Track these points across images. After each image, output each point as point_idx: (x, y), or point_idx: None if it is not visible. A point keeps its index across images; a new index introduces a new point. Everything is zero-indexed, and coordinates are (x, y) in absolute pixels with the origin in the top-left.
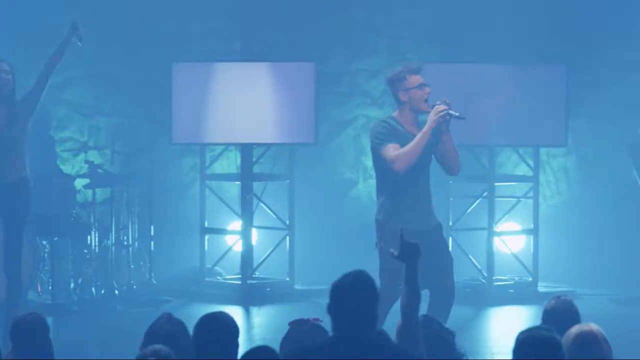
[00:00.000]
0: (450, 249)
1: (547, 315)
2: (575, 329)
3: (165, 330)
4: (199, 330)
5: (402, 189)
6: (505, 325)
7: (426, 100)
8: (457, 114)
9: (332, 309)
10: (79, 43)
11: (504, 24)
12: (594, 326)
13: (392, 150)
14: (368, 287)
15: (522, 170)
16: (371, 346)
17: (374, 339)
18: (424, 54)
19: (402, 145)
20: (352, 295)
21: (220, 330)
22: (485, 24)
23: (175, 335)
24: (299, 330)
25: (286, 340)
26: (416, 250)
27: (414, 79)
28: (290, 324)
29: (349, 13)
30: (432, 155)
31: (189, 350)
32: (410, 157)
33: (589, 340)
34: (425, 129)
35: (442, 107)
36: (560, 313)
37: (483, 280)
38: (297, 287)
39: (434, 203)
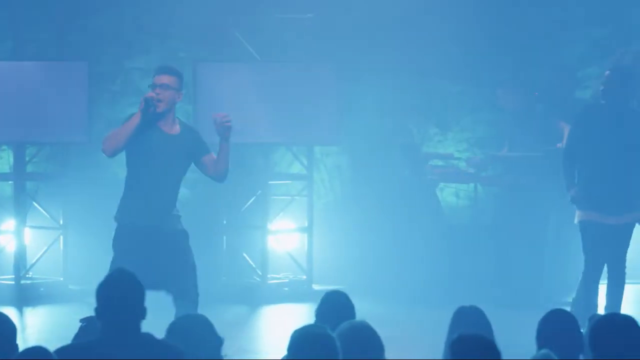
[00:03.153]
0: (224, 247)
1: (322, 311)
2: (349, 324)
3: None
4: None
5: (135, 182)
6: (280, 323)
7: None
8: (153, 99)
9: (98, 309)
10: None
11: (278, 22)
12: (365, 323)
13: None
14: (131, 284)
15: (297, 168)
16: (138, 342)
17: (141, 336)
18: (196, 53)
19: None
20: (116, 293)
21: None
22: (257, 22)
23: None
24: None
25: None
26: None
27: (155, 80)
28: (81, 320)
29: (121, 12)
30: (183, 157)
31: None
32: (113, 139)
33: (362, 335)
34: (136, 114)
35: (150, 94)
36: (336, 308)
37: (258, 279)
38: (71, 287)
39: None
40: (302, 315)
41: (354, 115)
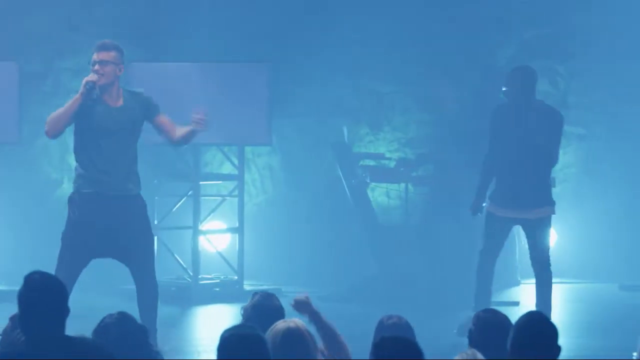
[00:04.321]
0: (155, 247)
1: (252, 311)
2: (279, 325)
3: None
4: None
5: (85, 157)
6: (210, 323)
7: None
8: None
9: (20, 313)
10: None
11: (207, 22)
12: (298, 321)
13: None
14: (53, 288)
15: (228, 169)
16: (64, 345)
17: (66, 338)
18: (129, 52)
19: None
20: (39, 297)
21: None
22: (188, 22)
23: None
24: None
25: None
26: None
27: (94, 57)
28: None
29: (52, 12)
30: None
31: None
32: (55, 121)
33: (293, 335)
34: (76, 97)
35: (91, 77)
36: (265, 309)
37: (189, 279)
38: (1, 288)
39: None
40: (233, 315)
41: (285, 116)
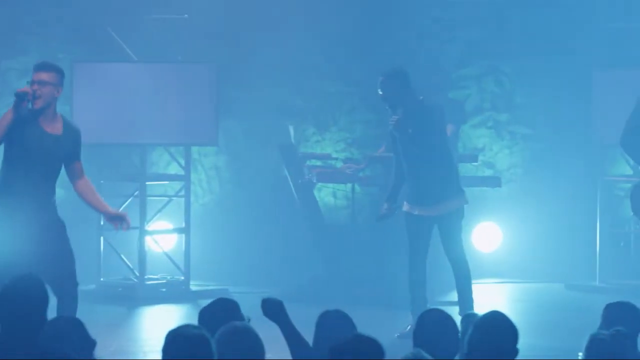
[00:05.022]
0: (102, 248)
1: (203, 313)
2: (229, 326)
3: None
4: None
5: (11, 176)
6: (157, 324)
7: (33, 97)
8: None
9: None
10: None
11: (153, 22)
12: (243, 324)
13: None
14: (35, 290)
15: (174, 169)
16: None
17: (39, 342)
18: (74, 53)
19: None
20: (20, 298)
21: None
22: (133, 23)
23: None
24: None
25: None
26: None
27: (33, 77)
28: None
29: None
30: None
31: None
32: None
33: (239, 333)
34: (9, 110)
35: (24, 88)
36: (217, 310)
37: (135, 280)
38: None
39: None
40: (179, 315)
41: (231, 116)
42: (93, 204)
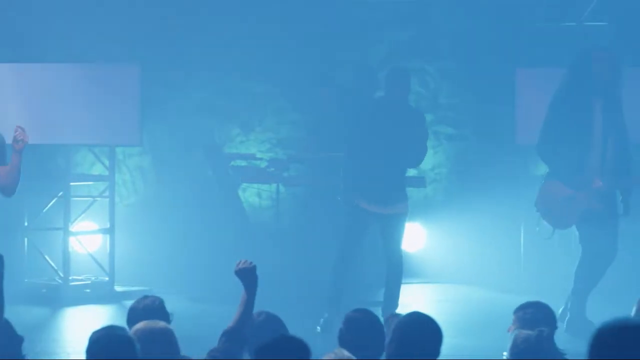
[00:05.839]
0: (26, 249)
1: (131, 313)
2: (142, 325)
3: None
4: None
5: None
6: (81, 325)
7: None
8: None
9: None
10: None
11: (77, 22)
12: (161, 323)
13: None
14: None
15: (99, 169)
16: None
17: None
18: None
19: None
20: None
21: None
22: (57, 22)
23: None
24: None
25: None
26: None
27: None
28: None
29: None
30: None
31: None
32: None
33: (155, 334)
34: None
35: None
36: (146, 310)
37: (59, 281)
38: None
39: None
40: (104, 316)
41: (156, 116)
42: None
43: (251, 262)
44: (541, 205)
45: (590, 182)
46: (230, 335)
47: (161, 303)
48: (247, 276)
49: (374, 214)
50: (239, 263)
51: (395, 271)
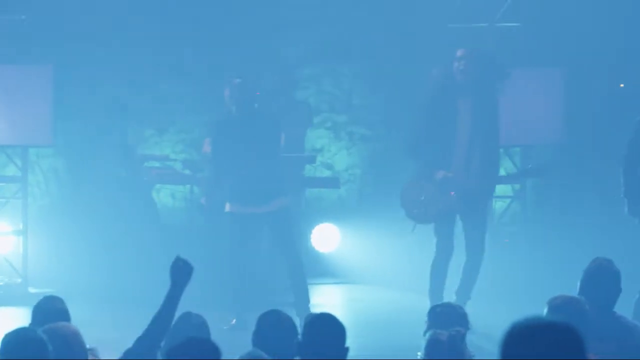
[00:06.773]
0: None
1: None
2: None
3: None
4: None
5: None
6: None
7: None
8: None
9: None
10: None
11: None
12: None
13: None
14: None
15: (11, 170)
16: None
17: None
18: None
19: None
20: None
21: None
22: None
23: None
24: None
25: None
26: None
27: None
28: None
29: None
30: None
31: None
32: None
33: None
34: None
35: None
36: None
37: None
38: None
39: None
40: (17, 318)
41: (70, 117)
42: None
43: (191, 264)
44: (405, 201)
45: (455, 182)
46: (146, 336)
47: (62, 303)
48: (182, 275)
49: (252, 215)
50: (179, 259)
51: (296, 270)
